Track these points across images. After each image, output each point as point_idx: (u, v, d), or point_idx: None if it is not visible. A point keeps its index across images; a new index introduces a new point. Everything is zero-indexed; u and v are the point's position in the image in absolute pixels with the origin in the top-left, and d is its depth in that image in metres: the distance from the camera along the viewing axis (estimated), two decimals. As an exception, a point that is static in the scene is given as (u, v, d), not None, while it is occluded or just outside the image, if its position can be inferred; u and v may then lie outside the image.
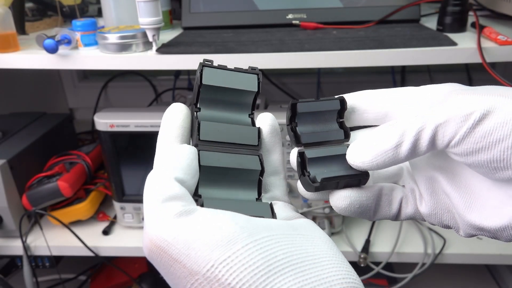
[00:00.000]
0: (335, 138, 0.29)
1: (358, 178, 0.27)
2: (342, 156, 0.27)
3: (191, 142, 0.28)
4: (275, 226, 0.22)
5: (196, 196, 0.25)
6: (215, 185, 0.26)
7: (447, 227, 0.29)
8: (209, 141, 0.26)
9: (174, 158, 0.24)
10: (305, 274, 0.20)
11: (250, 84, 0.29)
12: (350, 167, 0.27)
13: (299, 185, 0.29)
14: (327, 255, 0.21)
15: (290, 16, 0.77)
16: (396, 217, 0.29)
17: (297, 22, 0.75)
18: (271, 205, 0.26)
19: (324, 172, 0.27)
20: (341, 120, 0.29)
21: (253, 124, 0.29)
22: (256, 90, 0.29)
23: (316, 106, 0.29)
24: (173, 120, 0.27)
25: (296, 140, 0.28)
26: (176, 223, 0.21)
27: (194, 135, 0.27)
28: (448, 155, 0.25)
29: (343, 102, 0.28)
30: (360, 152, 0.26)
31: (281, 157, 0.30)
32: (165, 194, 0.22)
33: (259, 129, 0.28)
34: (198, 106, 0.28)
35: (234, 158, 0.27)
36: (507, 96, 0.23)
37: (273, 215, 0.25)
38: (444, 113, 0.24)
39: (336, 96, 0.29)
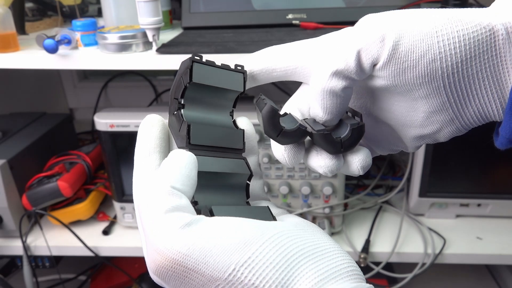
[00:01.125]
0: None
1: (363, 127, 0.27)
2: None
3: (175, 142, 0.27)
4: (280, 225, 0.23)
5: (192, 203, 0.24)
6: (206, 189, 0.26)
7: (396, 150, 0.32)
8: (199, 145, 0.26)
9: (172, 167, 0.24)
10: (319, 265, 0.21)
11: (236, 83, 0.29)
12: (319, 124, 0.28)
13: (280, 151, 0.28)
14: (331, 246, 0.23)
15: (290, 16, 0.77)
16: None
17: (297, 22, 0.75)
18: (268, 209, 0.26)
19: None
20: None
21: (234, 123, 0.29)
22: (241, 90, 0.29)
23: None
24: (151, 131, 0.27)
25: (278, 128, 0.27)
26: (187, 233, 0.21)
27: (179, 137, 0.26)
28: (374, 82, 0.26)
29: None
30: (319, 107, 0.27)
31: (257, 159, 0.31)
32: (167, 205, 0.22)
33: (243, 132, 0.29)
34: (182, 103, 0.27)
35: (225, 163, 0.27)
36: (412, 17, 0.25)
37: (273, 217, 0.25)
38: (360, 39, 0.25)
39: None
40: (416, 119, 0.27)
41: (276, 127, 0.26)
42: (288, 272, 0.20)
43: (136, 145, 0.27)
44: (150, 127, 0.27)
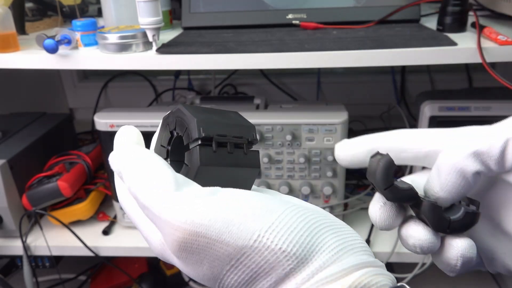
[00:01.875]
0: None
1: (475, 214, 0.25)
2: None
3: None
4: (293, 199, 0.24)
5: None
6: None
7: (510, 272, 0.27)
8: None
9: (155, 156, 0.24)
10: (339, 235, 0.22)
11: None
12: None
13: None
14: (343, 224, 0.23)
15: (290, 16, 0.77)
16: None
17: (297, 22, 0.75)
18: (258, 153, 0.27)
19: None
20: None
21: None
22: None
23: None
24: (129, 132, 0.27)
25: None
26: (206, 204, 0.21)
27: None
28: None
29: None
30: (439, 181, 0.25)
31: None
32: (173, 183, 0.22)
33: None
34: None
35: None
36: None
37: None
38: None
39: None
40: None
41: (388, 179, 0.24)
42: (312, 238, 0.21)
43: (114, 146, 0.26)
44: (126, 131, 0.27)
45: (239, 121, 0.27)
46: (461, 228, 0.24)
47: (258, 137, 0.27)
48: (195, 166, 0.24)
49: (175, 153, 0.27)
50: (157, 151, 0.27)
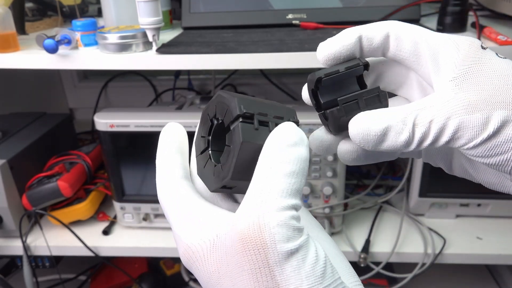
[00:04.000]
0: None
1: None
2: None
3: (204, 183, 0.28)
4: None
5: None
6: None
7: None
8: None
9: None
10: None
11: None
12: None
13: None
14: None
15: (290, 16, 0.77)
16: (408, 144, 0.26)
17: (297, 22, 0.75)
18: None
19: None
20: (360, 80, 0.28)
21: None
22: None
23: (340, 77, 0.27)
24: (174, 135, 0.28)
25: (317, 107, 0.28)
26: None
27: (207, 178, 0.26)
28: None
29: (367, 66, 0.27)
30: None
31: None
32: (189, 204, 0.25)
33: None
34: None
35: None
36: None
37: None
38: (460, 118, 0.23)
39: (360, 61, 0.28)
40: (484, 175, 0.28)
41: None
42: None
43: (158, 147, 0.27)
44: (172, 132, 0.28)
45: (279, 105, 0.26)
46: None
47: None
48: (237, 143, 0.23)
49: (216, 143, 0.26)
50: (197, 142, 0.27)
